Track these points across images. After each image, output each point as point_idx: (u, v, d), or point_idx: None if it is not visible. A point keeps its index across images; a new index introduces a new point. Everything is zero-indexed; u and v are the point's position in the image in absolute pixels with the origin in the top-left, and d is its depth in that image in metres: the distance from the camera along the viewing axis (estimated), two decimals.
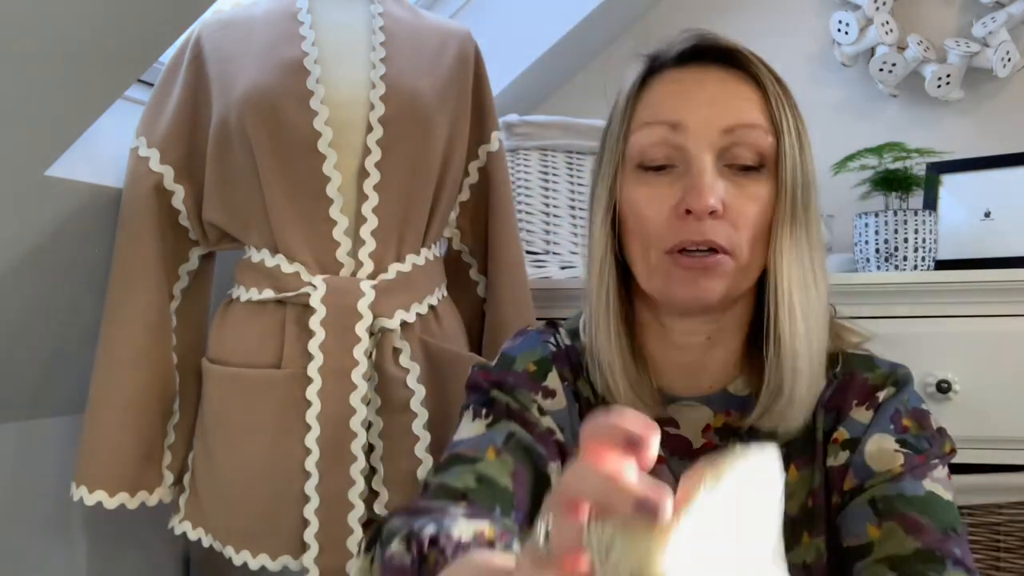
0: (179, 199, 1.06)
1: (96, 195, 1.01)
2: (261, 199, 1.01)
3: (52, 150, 0.87)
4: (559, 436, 0.68)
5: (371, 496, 1.00)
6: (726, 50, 0.64)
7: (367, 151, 1.01)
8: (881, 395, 0.65)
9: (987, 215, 1.37)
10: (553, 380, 0.71)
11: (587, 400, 0.71)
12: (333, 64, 1.04)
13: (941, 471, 0.62)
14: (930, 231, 1.30)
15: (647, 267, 0.64)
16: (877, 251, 1.31)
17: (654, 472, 0.68)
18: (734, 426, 0.67)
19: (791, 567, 0.62)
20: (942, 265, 1.35)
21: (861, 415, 0.65)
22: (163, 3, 0.75)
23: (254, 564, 0.97)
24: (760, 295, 0.66)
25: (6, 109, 0.77)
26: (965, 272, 1.20)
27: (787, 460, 0.65)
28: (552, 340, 0.74)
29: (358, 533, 0.96)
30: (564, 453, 0.67)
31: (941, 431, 0.65)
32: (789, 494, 0.64)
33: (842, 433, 0.64)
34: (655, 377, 0.69)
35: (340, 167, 1.00)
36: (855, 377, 0.66)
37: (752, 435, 0.65)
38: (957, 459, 1.19)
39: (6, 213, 0.90)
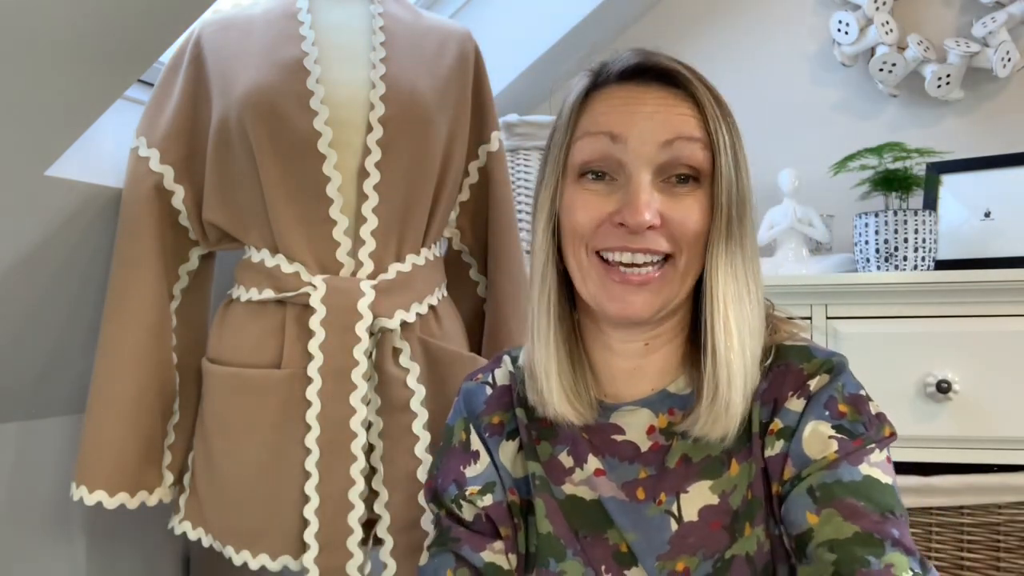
0: (179, 199, 1.06)
1: (96, 195, 1.01)
2: (261, 199, 1.01)
3: (52, 150, 0.87)
4: (486, 501, 0.73)
5: (371, 496, 1.00)
6: (667, 70, 0.66)
7: (367, 151, 1.01)
8: (813, 383, 0.66)
9: (987, 215, 1.37)
10: (475, 441, 0.76)
11: (524, 425, 0.74)
12: (333, 64, 1.04)
13: (879, 455, 0.63)
14: (930, 231, 1.30)
15: (580, 268, 0.67)
16: (877, 251, 1.31)
17: (595, 485, 0.68)
18: (676, 424, 0.69)
19: (735, 559, 0.64)
20: (942, 265, 1.35)
21: (794, 404, 0.65)
22: (163, 3, 0.75)
23: (254, 564, 0.97)
24: (696, 301, 0.69)
25: (6, 109, 0.77)
26: (965, 272, 1.20)
27: (728, 457, 0.67)
28: (490, 380, 0.79)
29: (358, 533, 0.96)
30: (496, 514, 0.73)
31: (880, 416, 0.65)
32: (732, 488, 0.66)
33: (777, 424, 0.65)
34: (601, 385, 0.72)
35: (340, 167, 1.00)
36: (790, 368, 0.67)
37: (692, 436, 0.67)
38: (957, 459, 1.20)
39: (6, 213, 0.90)
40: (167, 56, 1.10)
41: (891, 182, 1.35)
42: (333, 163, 0.99)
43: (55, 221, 0.97)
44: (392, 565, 0.98)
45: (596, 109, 0.66)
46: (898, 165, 1.35)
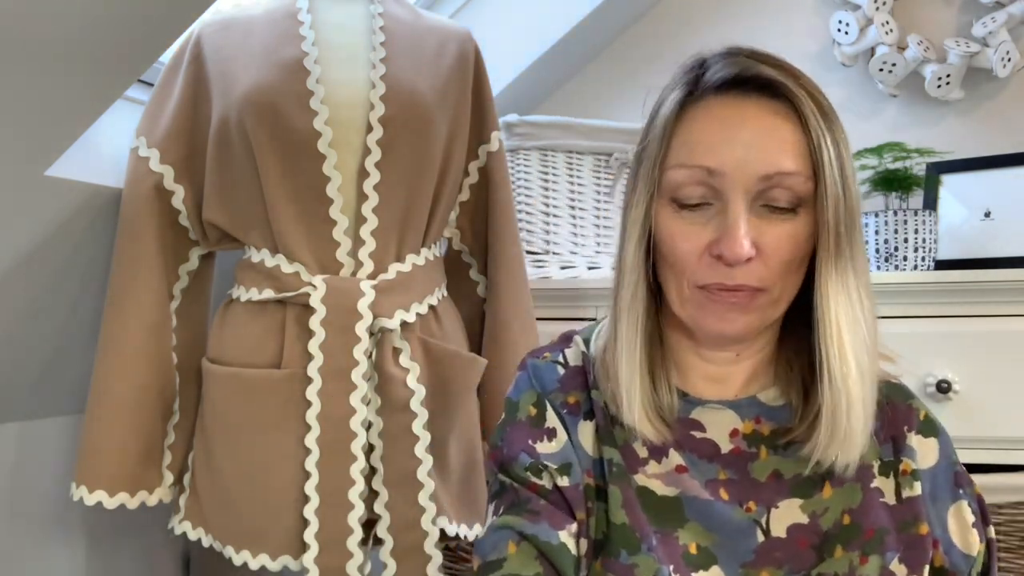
0: (179, 199, 1.06)
1: (96, 195, 1.01)
2: (261, 199, 1.01)
3: (52, 150, 0.87)
4: (563, 481, 0.68)
5: (371, 496, 1.00)
6: (768, 81, 0.62)
7: (367, 151, 1.01)
8: (930, 440, 0.67)
9: (987, 215, 1.37)
10: (552, 418, 0.71)
11: (601, 408, 0.71)
12: (333, 64, 1.04)
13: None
14: (930, 231, 1.30)
15: (680, 297, 0.65)
16: (877, 251, 1.31)
17: (675, 481, 0.67)
18: (763, 434, 0.68)
19: None
20: (942, 265, 1.35)
21: (913, 441, 0.67)
22: (163, 3, 0.75)
23: (254, 564, 0.97)
24: (791, 312, 0.67)
25: (6, 109, 0.77)
26: (965, 272, 1.20)
27: (822, 479, 0.66)
28: (561, 359, 0.75)
29: (358, 533, 0.96)
30: (572, 496, 0.68)
31: (965, 471, 0.68)
32: (824, 510, 0.66)
33: (908, 464, 0.66)
34: (681, 382, 0.70)
35: (340, 167, 1.00)
36: (896, 406, 0.69)
37: (786, 448, 0.67)
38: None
39: (6, 213, 0.90)
40: (167, 56, 1.10)
41: (891, 182, 1.35)
42: (333, 163, 0.99)
43: (55, 221, 0.97)
44: (392, 565, 0.98)
45: (692, 132, 0.63)
46: (898, 165, 1.35)
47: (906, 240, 1.29)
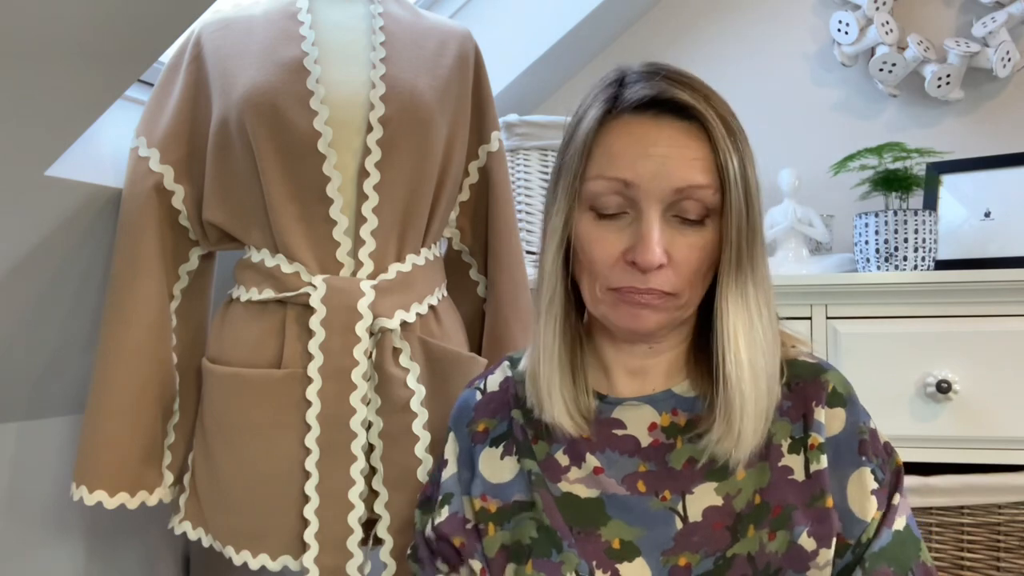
0: (179, 199, 1.06)
1: (96, 195, 1.01)
2: (261, 199, 1.01)
3: (52, 150, 0.87)
4: (440, 516, 0.79)
5: (371, 496, 1.00)
6: (681, 105, 0.67)
7: (367, 151, 1.01)
8: (836, 410, 0.69)
9: (987, 215, 1.37)
10: (448, 450, 0.83)
11: (520, 426, 0.78)
12: (333, 64, 1.04)
13: (904, 503, 0.68)
14: (930, 231, 1.30)
15: (593, 298, 0.71)
16: (877, 251, 1.31)
17: (595, 483, 0.71)
18: (680, 425, 0.72)
19: (736, 557, 0.67)
20: (942, 265, 1.36)
21: (820, 415, 0.70)
22: (163, 3, 0.75)
23: (254, 564, 0.97)
24: (700, 312, 0.72)
25: (6, 109, 0.77)
26: (965, 272, 1.20)
27: (736, 463, 0.70)
28: (482, 386, 0.84)
29: (358, 533, 0.96)
30: (447, 529, 0.78)
31: (888, 448, 0.70)
32: (737, 492, 0.69)
33: (815, 439, 0.69)
34: (604, 380, 0.76)
35: (340, 167, 1.00)
36: (807, 383, 0.71)
37: (700, 436, 0.70)
38: (957, 459, 1.20)
39: (6, 213, 0.90)
40: (167, 56, 1.10)
41: (891, 182, 1.35)
42: (333, 163, 0.99)
43: (55, 221, 0.97)
44: (392, 565, 0.98)
45: (611, 145, 0.68)
46: (898, 165, 1.35)
47: (906, 240, 1.29)
